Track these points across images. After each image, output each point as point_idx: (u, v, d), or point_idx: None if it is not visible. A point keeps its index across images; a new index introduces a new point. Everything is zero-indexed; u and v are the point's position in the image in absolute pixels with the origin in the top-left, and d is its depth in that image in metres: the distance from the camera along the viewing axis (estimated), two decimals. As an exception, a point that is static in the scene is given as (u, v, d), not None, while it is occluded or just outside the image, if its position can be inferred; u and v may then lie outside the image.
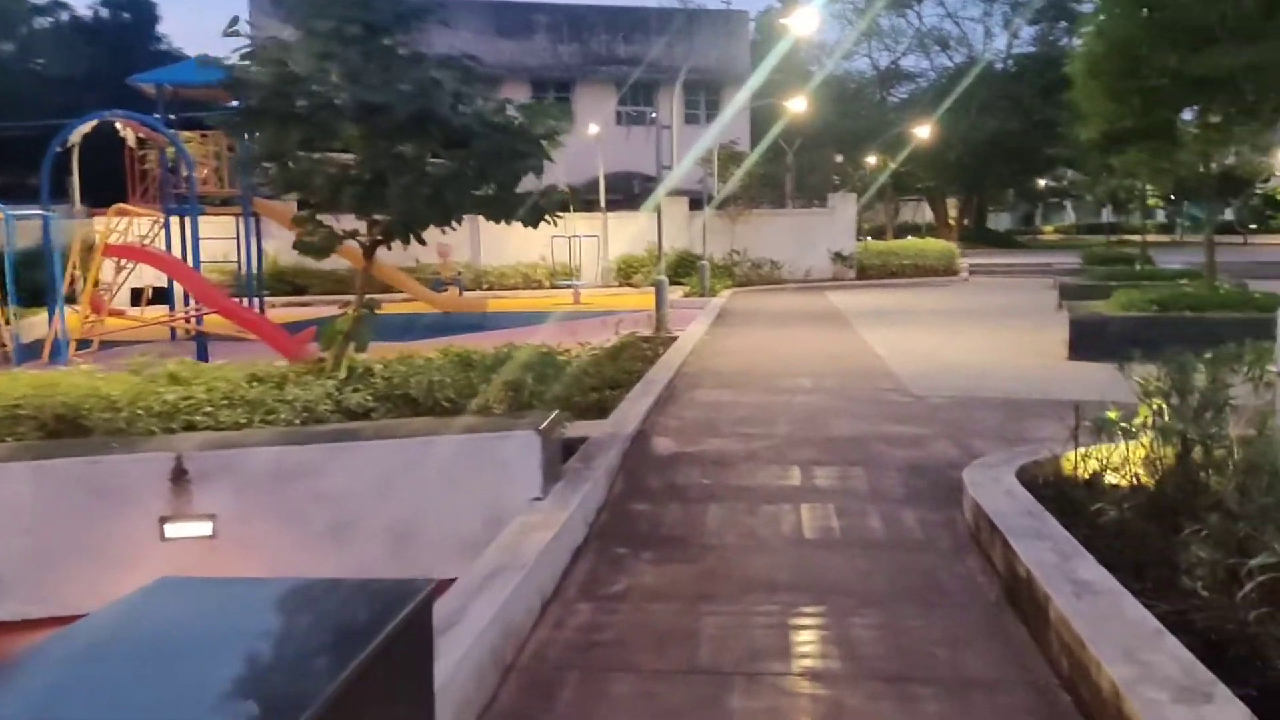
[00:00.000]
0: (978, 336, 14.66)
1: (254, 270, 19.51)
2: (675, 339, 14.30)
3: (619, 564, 5.13)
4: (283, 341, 12.65)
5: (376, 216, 6.34)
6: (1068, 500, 5.46)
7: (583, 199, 29.62)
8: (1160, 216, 65.01)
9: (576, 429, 7.33)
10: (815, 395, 9.62)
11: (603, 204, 28.45)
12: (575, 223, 28.64)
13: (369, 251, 6.70)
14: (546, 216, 6.92)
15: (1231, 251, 38.42)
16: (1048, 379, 10.45)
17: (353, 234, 6.45)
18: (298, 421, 5.72)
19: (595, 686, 3.81)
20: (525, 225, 6.95)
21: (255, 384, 6.21)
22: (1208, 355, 6.28)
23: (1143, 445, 5.94)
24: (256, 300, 19.23)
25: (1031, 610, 4.20)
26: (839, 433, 7.84)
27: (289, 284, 27.43)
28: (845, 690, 3.73)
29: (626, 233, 28.90)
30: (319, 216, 6.39)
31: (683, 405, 9.21)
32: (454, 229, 6.86)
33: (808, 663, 3.96)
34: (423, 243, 6.90)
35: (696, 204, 27.79)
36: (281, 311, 25.19)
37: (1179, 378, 5.74)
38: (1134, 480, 5.47)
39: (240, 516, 5.23)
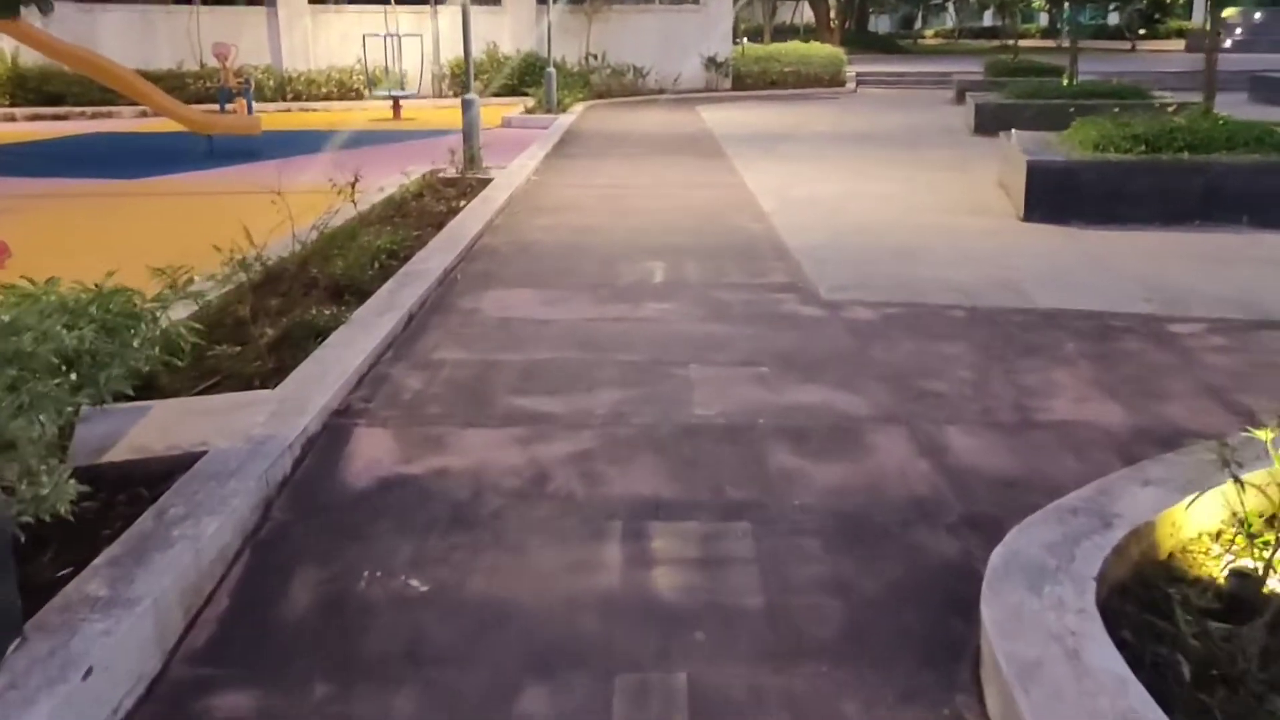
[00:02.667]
0: (890, 178, 11.21)
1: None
2: (489, 182, 10.45)
3: None
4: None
5: None
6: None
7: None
8: (1043, 20, 61.97)
9: (183, 432, 3.68)
10: (670, 304, 6.05)
11: (430, -6, 23.49)
12: (399, 18, 23.69)
13: None
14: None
15: (1122, 60, 35.85)
16: (1009, 261, 7.11)
17: None
18: None
19: None
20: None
21: None
22: None
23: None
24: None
25: None
26: (704, 410, 4.34)
27: (36, 92, 21.98)
28: None
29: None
30: None
31: (448, 333, 5.54)
32: None
33: None
34: None
35: (547, -3, 23.12)
36: (24, 127, 20.08)
37: None
38: None
39: None
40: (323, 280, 6.11)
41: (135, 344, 3.13)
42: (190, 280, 3.46)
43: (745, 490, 3.61)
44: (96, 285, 3.24)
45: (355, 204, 6.86)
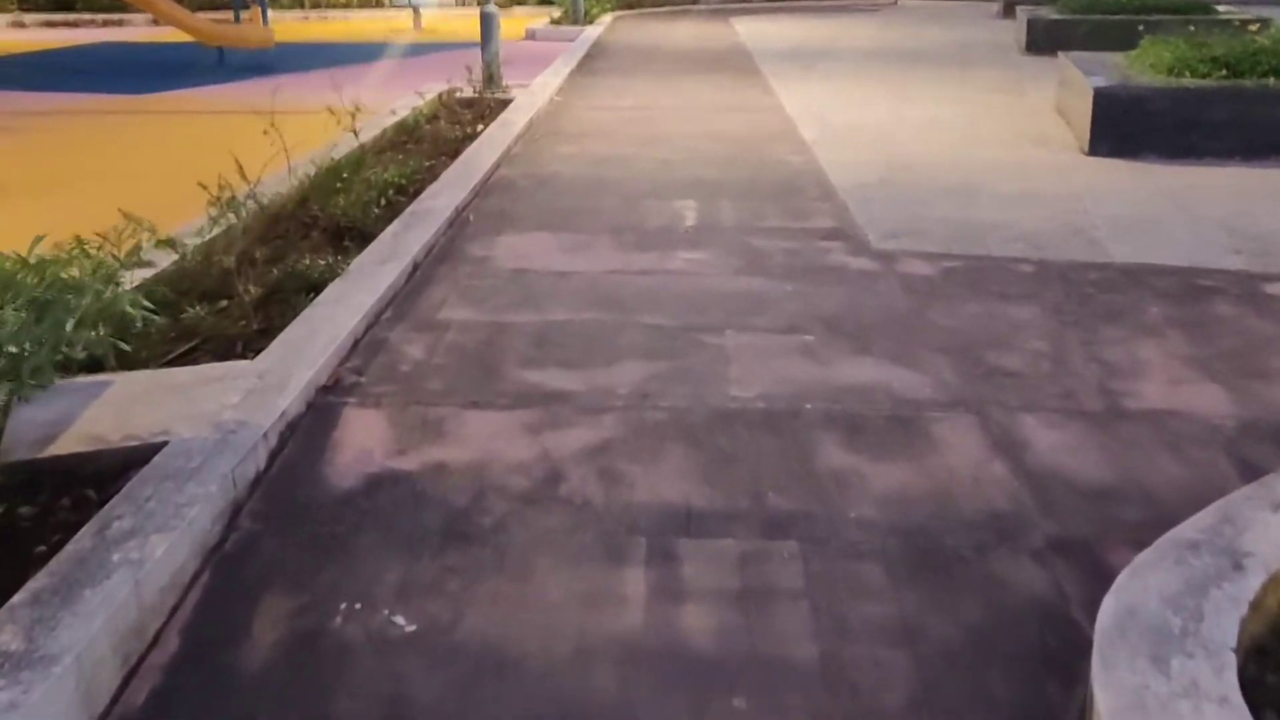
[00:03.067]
0: (939, 100, 10.45)
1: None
2: (509, 103, 9.80)
3: None
4: None
5: None
6: None
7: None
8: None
9: (143, 416, 3.20)
10: (703, 252, 5.47)
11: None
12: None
13: None
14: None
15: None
16: (1077, 204, 6.45)
17: None
18: None
19: None
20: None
21: None
22: None
23: None
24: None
25: None
26: (742, 391, 3.79)
27: (49, -3, 21.25)
28: None
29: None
30: None
31: (455, 287, 4.99)
32: None
33: None
34: None
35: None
36: (35, 35, 19.43)
37: None
38: None
39: None
40: (323, 220, 5.57)
41: (69, 325, 2.60)
42: (138, 246, 2.93)
43: (791, 497, 3.09)
44: (18, 255, 2.72)
45: (356, 134, 6.27)
